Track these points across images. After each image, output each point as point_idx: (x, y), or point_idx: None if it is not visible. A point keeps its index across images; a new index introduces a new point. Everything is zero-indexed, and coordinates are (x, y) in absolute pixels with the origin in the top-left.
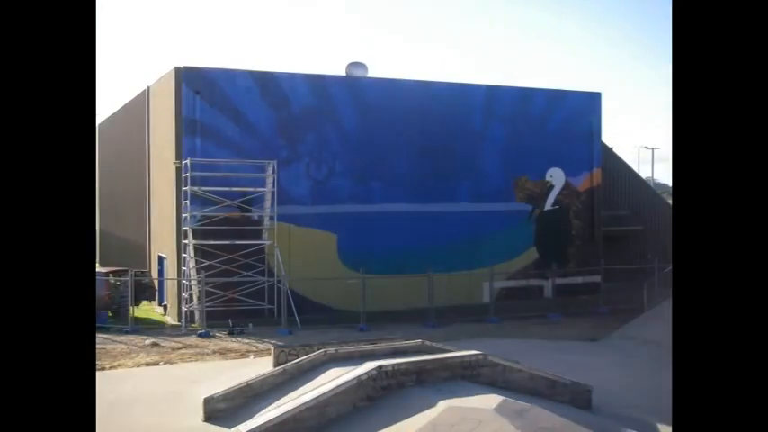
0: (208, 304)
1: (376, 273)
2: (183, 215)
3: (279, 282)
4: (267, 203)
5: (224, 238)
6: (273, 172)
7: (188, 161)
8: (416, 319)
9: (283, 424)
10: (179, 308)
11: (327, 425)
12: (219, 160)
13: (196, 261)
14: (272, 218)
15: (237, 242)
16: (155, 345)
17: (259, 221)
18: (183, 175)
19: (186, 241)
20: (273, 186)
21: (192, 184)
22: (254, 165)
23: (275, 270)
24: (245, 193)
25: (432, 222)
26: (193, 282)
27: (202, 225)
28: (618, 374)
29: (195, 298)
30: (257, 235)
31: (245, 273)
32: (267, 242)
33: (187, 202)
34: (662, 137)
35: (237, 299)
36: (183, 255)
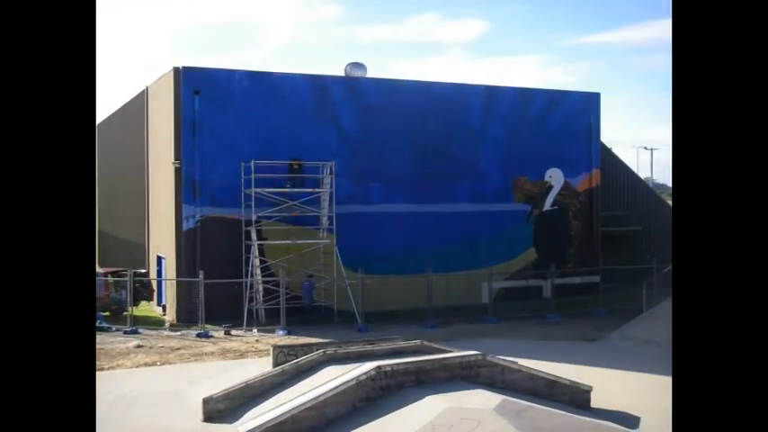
0: (269, 304)
1: (375, 273)
2: (241, 216)
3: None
4: (325, 204)
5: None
6: (331, 173)
7: (252, 163)
8: (415, 320)
9: (282, 424)
10: (178, 307)
11: (326, 425)
12: (276, 162)
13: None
14: (330, 218)
15: (299, 242)
16: (153, 345)
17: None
18: (245, 177)
19: (249, 242)
20: (331, 187)
21: (246, 187)
22: (310, 166)
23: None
24: (302, 195)
25: (431, 222)
26: (258, 280)
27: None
28: (617, 374)
29: (261, 297)
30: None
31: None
32: (326, 241)
33: (251, 204)
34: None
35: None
36: (247, 255)
